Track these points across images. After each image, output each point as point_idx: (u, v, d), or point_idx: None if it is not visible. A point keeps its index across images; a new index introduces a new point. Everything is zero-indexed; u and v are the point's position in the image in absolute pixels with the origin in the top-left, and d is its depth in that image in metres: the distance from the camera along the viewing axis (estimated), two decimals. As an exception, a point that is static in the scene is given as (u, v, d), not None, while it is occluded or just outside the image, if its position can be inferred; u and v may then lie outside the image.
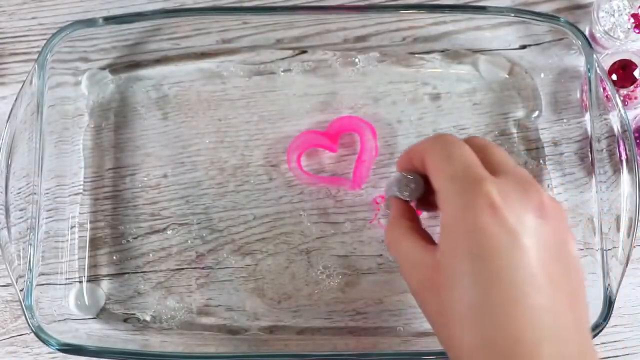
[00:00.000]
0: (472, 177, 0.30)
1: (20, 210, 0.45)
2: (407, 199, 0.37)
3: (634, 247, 0.43)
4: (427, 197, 0.36)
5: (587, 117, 0.46)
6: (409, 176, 0.36)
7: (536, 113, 0.48)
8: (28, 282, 0.43)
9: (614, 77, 0.47)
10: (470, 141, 0.34)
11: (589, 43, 0.44)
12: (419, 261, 0.33)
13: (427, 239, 0.34)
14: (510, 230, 0.29)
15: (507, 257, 0.29)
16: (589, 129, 0.46)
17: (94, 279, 0.47)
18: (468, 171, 0.31)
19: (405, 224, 0.36)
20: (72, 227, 0.48)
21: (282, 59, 0.49)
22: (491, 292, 0.29)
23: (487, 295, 0.29)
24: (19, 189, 0.45)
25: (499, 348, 0.28)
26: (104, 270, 0.47)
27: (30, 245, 0.43)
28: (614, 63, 0.47)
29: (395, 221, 0.36)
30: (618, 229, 0.43)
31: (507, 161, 0.33)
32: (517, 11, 0.46)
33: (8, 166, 0.44)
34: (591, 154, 0.45)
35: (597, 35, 0.47)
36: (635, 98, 0.47)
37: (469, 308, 0.29)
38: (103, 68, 0.49)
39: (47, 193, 0.46)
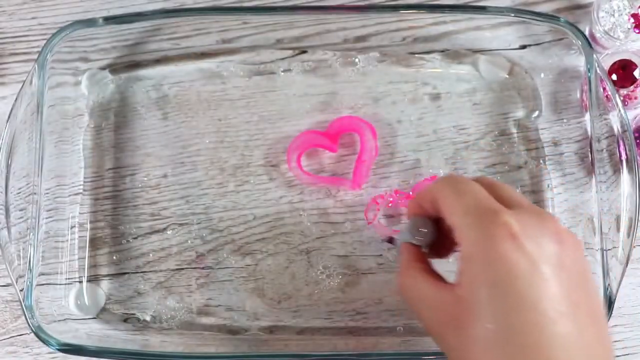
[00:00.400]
0: (488, 209, 0.31)
1: (20, 210, 0.45)
2: (420, 244, 0.37)
3: (634, 247, 0.43)
4: (437, 243, 0.37)
5: (587, 117, 0.46)
6: (420, 221, 0.36)
7: (536, 113, 0.48)
8: (28, 282, 0.43)
9: (614, 77, 0.47)
10: (478, 180, 0.34)
11: (589, 43, 0.44)
12: (438, 300, 0.32)
13: (441, 279, 0.34)
14: (531, 258, 0.29)
15: (530, 283, 0.29)
16: (589, 129, 0.46)
17: (94, 279, 0.47)
18: (482, 204, 0.31)
19: (418, 266, 0.35)
20: (72, 227, 0.48)
21: (282, 59, 0.49)
22: (517, 320, 0.28)
23: (512, 322, 0.28)
24: (19, 189, 0.45)
25: None
26: (104, 270, 0.47)
27: (30, 245, 0.43)
28: (614, 63, 0.47)
29: (408, 264, 0.36)
30: (618, 229, 0.43)
31: (517, 196, 0.33)
32: (517, 11, 0.46)
33: (8, 166, 0.44)
34: (591, 154, 0.45)
35: (597, 35, 0.47)
36: (635, 98, 0.47)
37: (495, 337, 0.29)
38: (103, 68, 0.49)
39: (47, 193, 0.46)
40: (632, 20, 0.47)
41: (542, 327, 0.28)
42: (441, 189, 0.34)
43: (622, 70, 0.47)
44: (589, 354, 0.28)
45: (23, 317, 0.43)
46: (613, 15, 0.47)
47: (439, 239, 0.36)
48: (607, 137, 0.44)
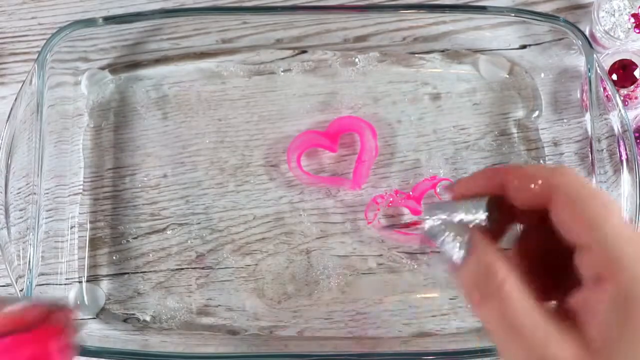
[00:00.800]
0: None
1: (20, 210, 0.45)
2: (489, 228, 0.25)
3: (634, 247, 0.43)
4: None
5: (587, 117, 0.46)
6: (494, 200, 0.25)
7: (536, 113, 0.48)
8: (28, 282, 0.43)
9: (614, 77, 0.47)
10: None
11: (589, 43, 0.44)
12: (555, 345, 0.21)
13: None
14: None
15: None
16: (589, 128, 0.46)
17: (93, 279, 0.47)
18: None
19: (514, 276, 0.23)
20: (71, 227, 0.47)
21: (282, 58, 0.49)
22: None
23: None
24: (19, 189, 0.45)
25: None
26: (103, 270, 0.47)
27: (30, 245, 0.43)
28: (614, 63, 0.47)
29: (492, 260, 0.24)
30: (618, 229, 0.43)
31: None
32: (517, 11, 0.46)
33: (8, 166, 0.44)
34: (591, 153, 0.45)
35: (598, 35, 0.47)
36: (636, 98, 0.47)
37: None
38: (103, 68, 0.49)
39: (47, 193, 0.46)
40: (632, 20, 0.47)
41: None
42: (579, 198, 0.22)
43: (623, 70, 0.47)
44: None
45: (23, 317, 0.43)
46: (613, 15, 0.47)
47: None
48: (607, 137, 0.44)
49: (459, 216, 0.26)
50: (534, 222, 0.25)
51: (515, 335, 0.22)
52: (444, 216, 0.26)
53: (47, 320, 0.27)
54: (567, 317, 0.22)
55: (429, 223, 0.26)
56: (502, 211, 0.25)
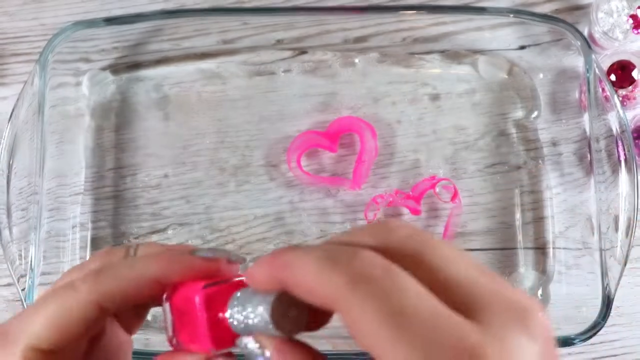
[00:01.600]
0: (448, 329, 0.18)
1: (22, 210, 0.45)
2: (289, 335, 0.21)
3: (632, 246, 0.43)
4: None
5: (586, 117, 0.46)
6: (287, 299, 0.21)
7: (535, 113, 0.49)
8: (30, 282, 0.43)
9: (613, 77, 0.47)
10: (396, 237, 0.20)
11: (588, 44, 0.45)
12: None
13: None
14: None
15: None
16: (587, 129, 0.46)
17: (95, 278, 0.47)
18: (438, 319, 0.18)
19: None
20: (73, 227, 0.48)
21: (282, 59, 0.50)
22: None
23: None
24: (21, 188, 0.45)
25: None
26: (105, 270, 0.47)
27: (32, 244, 0.43)
28: (613, 64, 0.47)
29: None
30: (616, 229, 0.43)
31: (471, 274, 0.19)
32: (516, 12, 0.46)
33: (10, 166, 0.44)
34: (590, 154, 0.45)
35: (596, 36, 0.48)
36: (634, 98, 0.48)
37: None
38: (104, 69, 0.49)
39: (49, 193, 0.46)
40: (630, 21, 0.47)
41: None
42: (338, 282, 0.19)
43: (621, 71, 0.47)
44: None
45: (25, 317, 0.43)
46: (612, 16, 0.47)
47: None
48: (605, 138, 0.45)
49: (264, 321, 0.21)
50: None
51: None
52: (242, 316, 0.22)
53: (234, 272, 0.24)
54: None
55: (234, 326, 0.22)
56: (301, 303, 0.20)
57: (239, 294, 0.22)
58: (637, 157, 0.45)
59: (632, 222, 0.42)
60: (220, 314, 0.22)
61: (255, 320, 0.21)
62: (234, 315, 0.22)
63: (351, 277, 0.18)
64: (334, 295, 0.19)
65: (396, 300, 0.18)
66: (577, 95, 0.48)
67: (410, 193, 0.47)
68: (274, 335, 0.21)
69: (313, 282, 0.19)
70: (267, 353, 0.21)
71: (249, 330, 0.21)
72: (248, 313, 0.21)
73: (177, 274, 0.23)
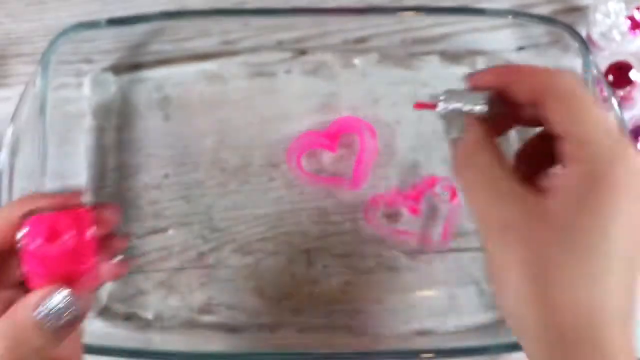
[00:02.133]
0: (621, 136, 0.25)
1: (24, 209, 0.45)
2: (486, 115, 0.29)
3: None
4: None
5: (584, 117, 0.46)
6: (493, 94, 0.29)
7: (534, 114, 0.49)
8: (31, 281, 0.43)
9: (611, 78, 0.47)
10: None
11: (586, 45, 0.45)
12: (516, 199, 0.25)
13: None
14: None
15: None
16: (586, 129, 0.46)
17: (96, 278, 0.48)
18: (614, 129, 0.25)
19: (494, 145, 0.28)
20: (74, 227, 0.48)
21: (283, 60, 0.50)
22: None
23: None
24: (23, 189, 0.45)
25: None
26: (106, 270, 0.48)
27: (34, 244, 0.43)
28: (611, 64, 0.48)
29: (482, 139, 0.28)
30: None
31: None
32: (515, 13, 0.46)
33: (12, 166, 0.44)
34: (588, 154, 0.45)
35: (594, 37, 0.48)
36: (632, 99, 0.48)
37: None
38: (106, 69, 0.50)
39: (50, 193, 0.47)
40: (628, 22, 0.48)
41: None
42: (563, 91, 0.26)
43: (619, 72, 0.47)
44: None
45: (26, 316, 0.43)
46: (609, 17, 0.48)
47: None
48: (604, 138, 0.45)
49: (464, 103, 0.30)
50: (532, 125, 0.29)
51: (485, 191, 0.26)
52: (454, 102, 0.30)
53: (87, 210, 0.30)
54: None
55: (440, 105, 0.31)
56: (504, 108, 0.28)
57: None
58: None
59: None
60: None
61: (471, 106, 0.29)
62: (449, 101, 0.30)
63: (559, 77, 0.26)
64: (542, 90, 0.26)
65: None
66: (575, 96, 0.48)
67: (410, 193, 0.47)
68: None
69: (534, 82, 0.26)
70: (478, 107, 0.29)
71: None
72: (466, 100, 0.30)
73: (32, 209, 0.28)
